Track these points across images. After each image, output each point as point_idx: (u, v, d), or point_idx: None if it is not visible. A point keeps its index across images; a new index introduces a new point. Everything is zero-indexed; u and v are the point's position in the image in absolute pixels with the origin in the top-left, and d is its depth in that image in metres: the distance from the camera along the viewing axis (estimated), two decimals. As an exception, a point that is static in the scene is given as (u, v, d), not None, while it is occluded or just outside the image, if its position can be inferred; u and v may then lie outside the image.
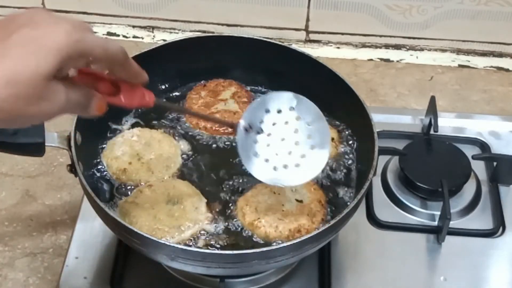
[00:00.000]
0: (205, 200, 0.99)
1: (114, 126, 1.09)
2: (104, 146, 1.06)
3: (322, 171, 1.04)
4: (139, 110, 1.12)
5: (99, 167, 1.04)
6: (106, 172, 1.03)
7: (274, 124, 0.92)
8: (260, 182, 0.97)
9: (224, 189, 1.02)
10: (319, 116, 0.93)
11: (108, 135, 1.08)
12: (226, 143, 1.09)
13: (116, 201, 1.00)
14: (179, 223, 0.96)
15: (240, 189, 1.02)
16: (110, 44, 0.72)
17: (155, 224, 0.96)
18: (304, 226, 0.97)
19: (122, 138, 1.07)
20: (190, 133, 1.11)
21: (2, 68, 0.63)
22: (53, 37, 0.65)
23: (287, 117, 0.92)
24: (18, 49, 0.64)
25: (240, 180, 1.03)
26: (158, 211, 0.97)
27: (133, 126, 1.10)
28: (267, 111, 0.92)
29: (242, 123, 0.90)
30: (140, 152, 1.05)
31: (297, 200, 1.00)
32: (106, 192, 1.01)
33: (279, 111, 0.92)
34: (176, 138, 1.09)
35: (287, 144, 0.92)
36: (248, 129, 0.90)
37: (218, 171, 1.05)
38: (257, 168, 0.91)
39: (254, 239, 0.97)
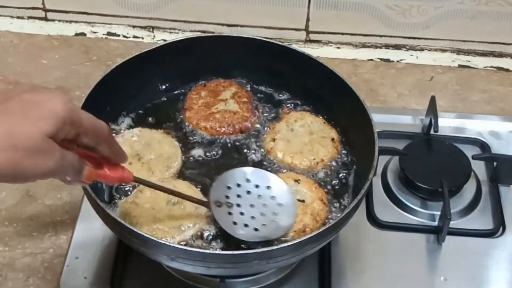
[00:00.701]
0: (206, 200, 0.99)
1: (112, 126, 1.09)
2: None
3: (322, 172, 1.05)
4: (139, 111, 1.13)
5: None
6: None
7: (238, 196, 0.97)
8: None
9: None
10: (274, 180, 0.99)
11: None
12: (227, 143, 1.10)
13: (116, 201, 1.00)
14: (179, 223, 0.96)
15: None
16: (98, 120, 0.78)
17: (155, 224, 0.96)
18: (308, 226, 0.97)
19: (122, 138, 1.07)
20: (189, 133, 1.11)
21: (4, 121, 0.69)
22: (52, 102, 0.72)
23: (247, 188, 0.98)
24: (20, 109, 0.70)
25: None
26: (158, 211, 0.97)
27: (131, 126, 1.10)
28: (228, 187, 0.98)
29: (211, 201, 0.96)
30: (140, 152, 1.05)
31: (299, 200, 1.00)
32: (106, 192, 1.01)
33: (238, 185, 0.98)
34: (176, 138, 1.09)
35: (257, 209, 0.97)
36: (219, 204, 0.96)
37: (218, 171, 1.05)
38: (241, 233, 0.95)
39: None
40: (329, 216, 1.00)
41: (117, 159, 0.84)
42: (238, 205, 0.97)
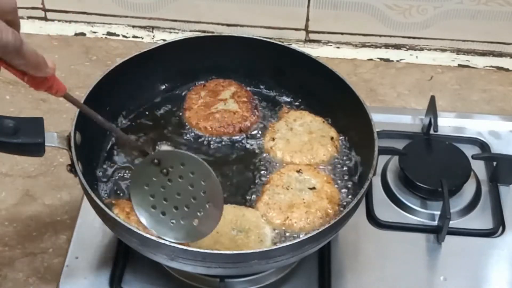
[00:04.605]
0: (273, 234, 0.98)
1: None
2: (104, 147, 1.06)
3: (324, 170, 1.05)
4: (139, 111, 1.13)
5: (99, 167, 1.04)
6: (105, 171, 1.03)
7: (181, 177, 0.91)
8: (265, 184, 1.00)
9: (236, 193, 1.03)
10: (220, 205, 0.90)
11: (108, 133, 1.08)
12: (226, 143, 1.10)
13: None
14: (239, 250, 0.94)
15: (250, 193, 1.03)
16: (5, 30, 0.73)
17: (215, 245, 0.95)
18: (329, 210, 0.99)
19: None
20: (189, 133, 1.11)
21: None
22: None
23: (195, 183, 0.90)
24: None
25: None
26: (221, 235, 0.96)
27: (130, 126, 1.10)
28: (183, 164, 0.90)
29: (153, 155, 0.91)
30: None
31: (310, 188, 1.01)
32: (106, 192, 1.01)
33: (192, 173, 0.90)
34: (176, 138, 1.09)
35: (179, 201, 0.91)
36: (156, 163, 0.90)
37: (218, 171, 1.05)
38: (138, 197, 0.91)
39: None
40: (340, 197, 1.02)
41: (36, 73, 0.79)
42: (163, 187, 0.91)
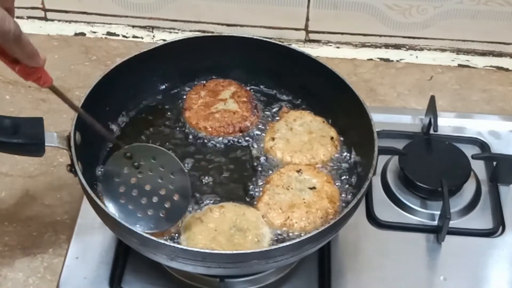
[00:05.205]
0: (271, 235, 0.98)
1: (112, 126, 1.10)
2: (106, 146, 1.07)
3: (324, 170, 1.05)
4: (139, 111, 1.13)
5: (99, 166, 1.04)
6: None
7: (151, 170, 0.96)
8: (265, 184, 1.01)
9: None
10: (187, 198, 0.95)
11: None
12: (226, 142, 1.10)
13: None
14: (235, 249, 0.94)
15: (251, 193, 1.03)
16: (8, 18, 0.76)
17: (211, 243, 0.95)
18: (329, 209, 0.99)
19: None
20: (189, 133, 1.11)
21: None
22: None
23: (164, 176, 0.96)
24: None
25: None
26: (219, 233, 0.96)
27: (130, 126, 1.10)
28: (154, 158, 0.96)
29: (125, 148, 0.95)
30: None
31: (310, 188, 1.01)
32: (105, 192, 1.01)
33: (162, 166, 0.96)
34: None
35: (148, 193, 0.96)
36: (128, 157, 0.96)
37: (218, 171, 1.05)
38: (108, 189, 0.96)
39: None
40: (340, 197, 1.02)
41: (30, 62, 0.83)
42: (134, 180, 0.96)
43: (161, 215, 0.95)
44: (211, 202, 1.01)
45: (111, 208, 0.95)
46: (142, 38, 1.47)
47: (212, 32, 1.45)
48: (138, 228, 0.92)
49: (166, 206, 0.95)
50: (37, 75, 0.86)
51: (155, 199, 0.96)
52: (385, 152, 1.14)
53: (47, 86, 0.88)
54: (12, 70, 0.83)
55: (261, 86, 1.18)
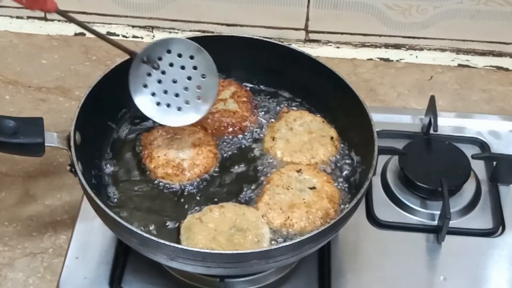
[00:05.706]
0: (271, 235, 0.97)
1: (112, 126, 1.09)
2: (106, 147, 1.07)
3: (324, 170, 1.05)
4: (138, 111, 1.13)
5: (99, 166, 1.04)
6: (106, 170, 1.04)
7: (171, 64, 0.99)
8: (265, 184, 1.00)
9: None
10: (214, 72, 1.00)
11: (107, 133, 1.08)
12: (226, 142, 1.10)
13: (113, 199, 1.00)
14: (235, 249, 0.94)
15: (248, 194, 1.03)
16: None
17: (211, 243, 0.94)
18: (329, 210, 0.99)
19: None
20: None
21: None
22: None
23: (185, 63, 0.99)
24: None
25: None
26: (219, 233, 0.96)
27: (130, 126, 1.10)
28: (169, 51, 0.99)
29: (140, 53, 0.97)
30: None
31: (310, 188, 1.01)
32: (106, 192, 1.01)
33: (179, 55, 0.99)
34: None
35: (181, 83, 0.99)
36: (146, 61, 0.98)
37: (217, 171, 1.05)
38: (142, 100, 0.98)
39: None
40: (340, 197, 1.02)
41: None
42: (163, 72, 0.99)
43: (198, 101, 0.99)
44: (211, 202, 1.01)
45: (157, 119, 0.99)
46: (142, 38, 1.47)
47: (212, 32, 1.45)
48: (184, 123, 0.98)
49: (198, 90, 0.99)
50: (42, 1, 0.87)
51: (186, 89, 0.99)
52: (385, 152, 1.14)
53: (54, 11, 0.89)
54: (19, 2, 0.85)
55: (261, 86, 1.18)
